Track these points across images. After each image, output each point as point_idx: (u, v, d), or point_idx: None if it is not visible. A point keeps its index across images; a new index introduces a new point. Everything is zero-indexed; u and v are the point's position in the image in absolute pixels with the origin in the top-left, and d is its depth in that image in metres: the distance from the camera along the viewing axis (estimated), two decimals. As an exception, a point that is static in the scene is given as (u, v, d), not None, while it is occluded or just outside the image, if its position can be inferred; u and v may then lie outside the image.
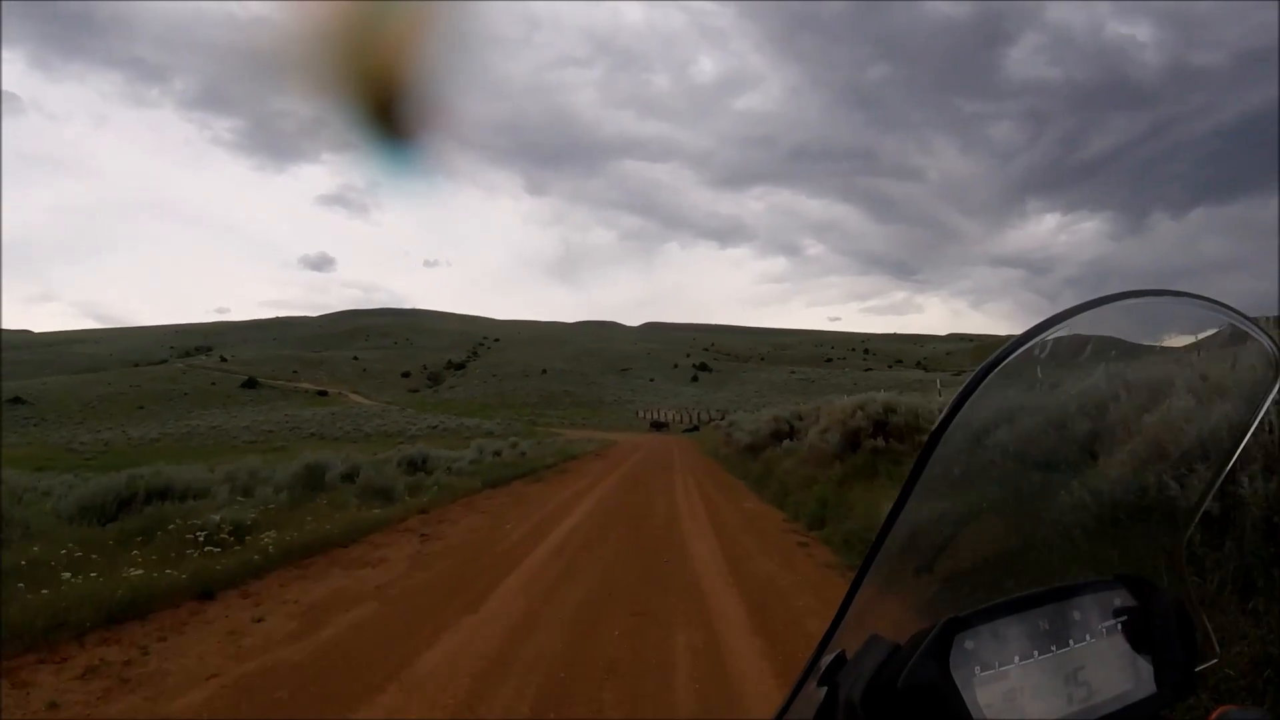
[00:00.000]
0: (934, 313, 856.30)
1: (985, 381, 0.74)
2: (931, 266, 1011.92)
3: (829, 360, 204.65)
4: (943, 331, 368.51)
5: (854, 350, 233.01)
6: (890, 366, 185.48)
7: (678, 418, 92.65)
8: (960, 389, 0.74)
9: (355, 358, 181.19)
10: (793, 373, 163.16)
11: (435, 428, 68.27)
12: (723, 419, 77.26)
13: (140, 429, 78.57)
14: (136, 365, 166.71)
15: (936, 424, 0.75)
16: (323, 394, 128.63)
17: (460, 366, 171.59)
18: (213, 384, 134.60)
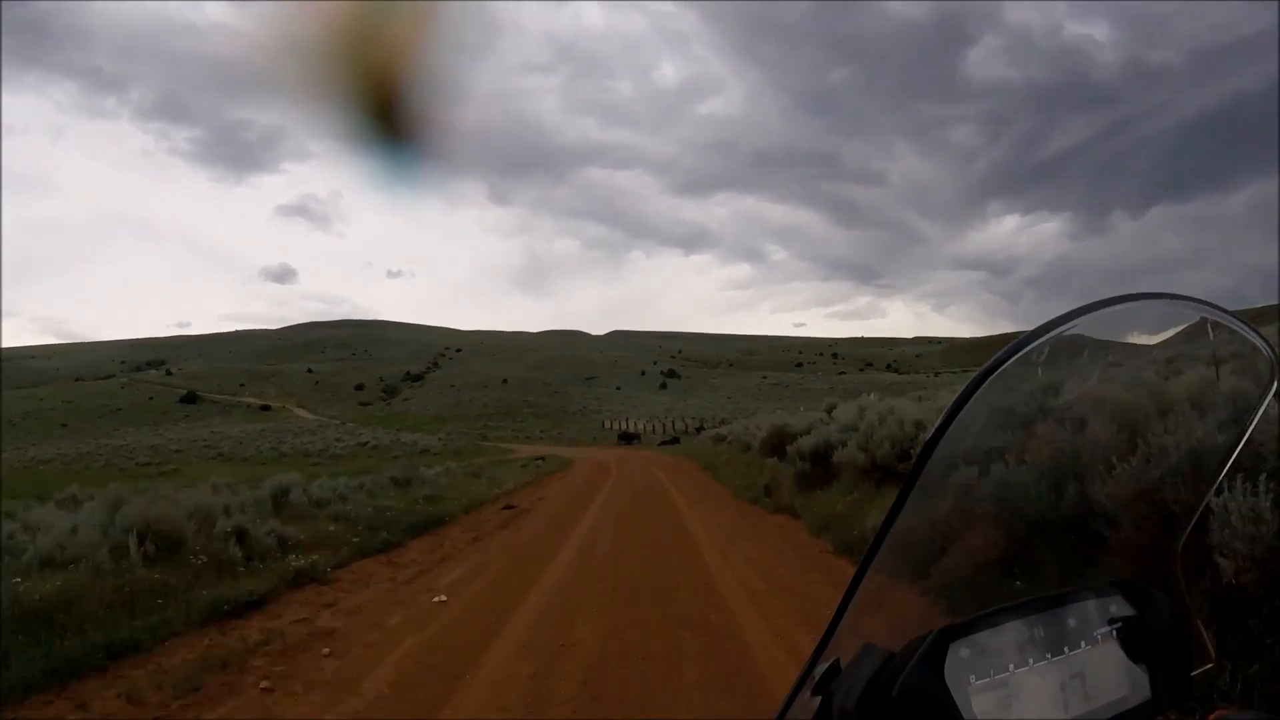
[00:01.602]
0: (898, 316, 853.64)
1: (981, 388, 0.73)
2: (894, 271, 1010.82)
3: (799, 365, 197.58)
4: (908, 334, 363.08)
5: (822, 355, 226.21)
6: (861, 370, 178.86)
7: (649, 428, 79.66)
8: (956, 395, 0.74)
9: (309, 370, 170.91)
10: (764, 378, 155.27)
11: (365, 445, 59.05)
12: (700, 430, 64.19)
13: (42, 449, 69.82)
14: (78, 380, 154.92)
15: (932, 430, 0.75)
16: (265, 409, 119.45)
17: (418, 378, 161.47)
18: (151, 399, 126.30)
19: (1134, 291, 0.79)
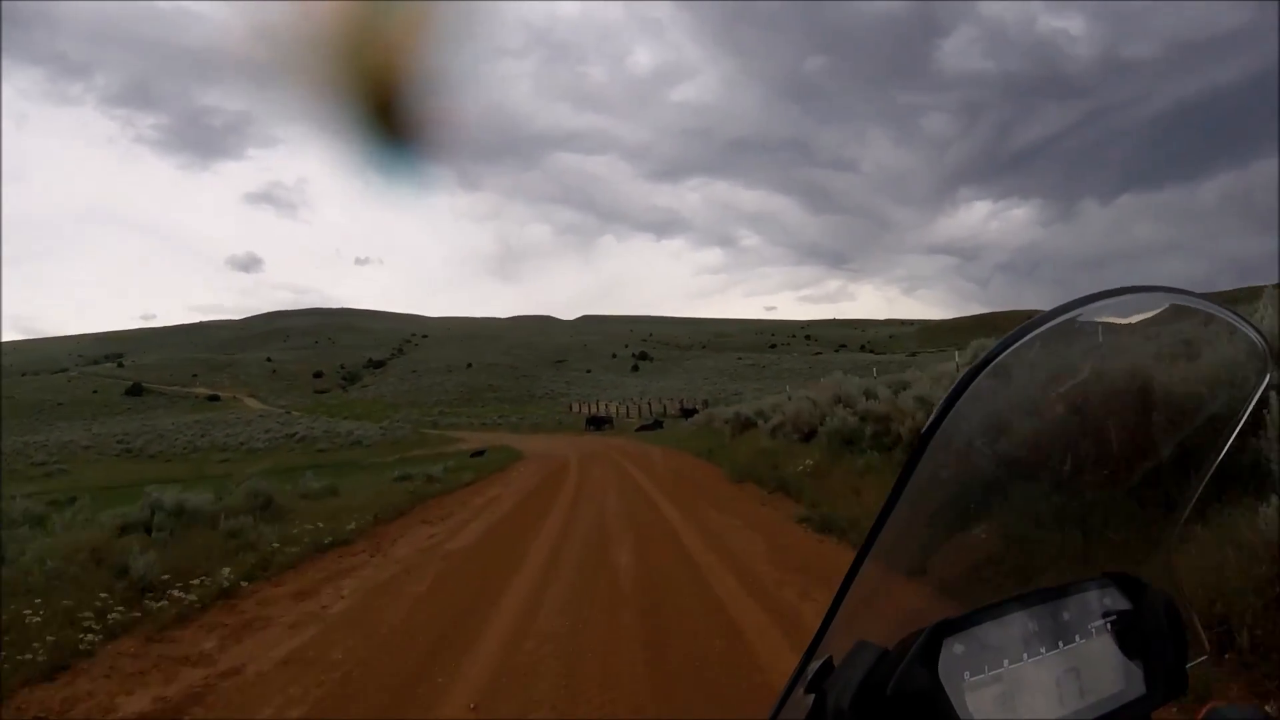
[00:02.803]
0: (867, 300, 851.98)
1: (975, 382, 0.72)
2: (865, 255, 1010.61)
3: (773, 346, 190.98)
4: (879, 317, 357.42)
5: (795, 337, 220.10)
6: (836, 350, 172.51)
7: (623, 411, 68.13)
8: (950, 389, 0.73)
9: (268, 359, 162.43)
10: (740, 359, 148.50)
11: (294, 436, 52.44)
12: (687, 412, 52.09)
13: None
14: (24, 375, 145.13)
15: (926, 425, 0.74)
16: (214, 399, 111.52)
17: (380, 365, 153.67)
18: (95, 392, 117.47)
19: (1117, 286, 0.78)
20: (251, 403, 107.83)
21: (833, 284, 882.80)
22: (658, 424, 49.54)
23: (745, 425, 23.09)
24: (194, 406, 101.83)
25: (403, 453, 36.11)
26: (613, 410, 67.73)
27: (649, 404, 69.88)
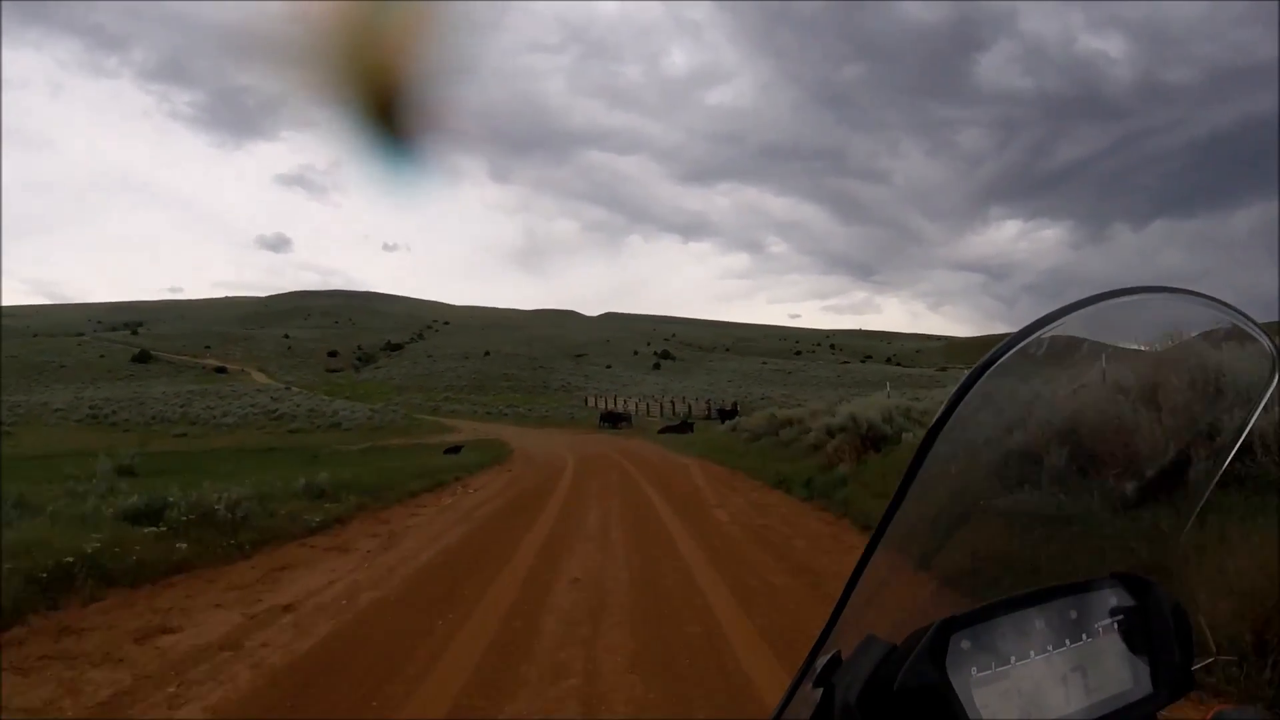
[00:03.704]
0: (892, 313, 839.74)
1: (981, 380, 0.72)
2: (892, 268, 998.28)
3: (798, 353, 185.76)
4: (904, 330, 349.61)
5: (820, 345, 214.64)
6: (863, 361, 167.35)
7: (642, 408, 59.09)
8: (956, 387, 0.73)
9: (286, 335, 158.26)
10: (765, 363, 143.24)
11: (273, 414, 48.57)
12: (725, 414, 42.85)
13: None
14: (35, 336, 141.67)
15: (933, 422, 0.73)
16: (221, 370, 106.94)
17: (398, 348, 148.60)
18: (101, 357, 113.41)
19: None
20: (259, 377, 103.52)
21: (858, 295, 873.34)
22: (686, 426, 40.39)
23: (823, 436, 15.97)
24: (197, 377, 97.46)
25: (379, 440, 31.10)
26: (632, 406, 59.01)
27: (671, 402, 61.80)
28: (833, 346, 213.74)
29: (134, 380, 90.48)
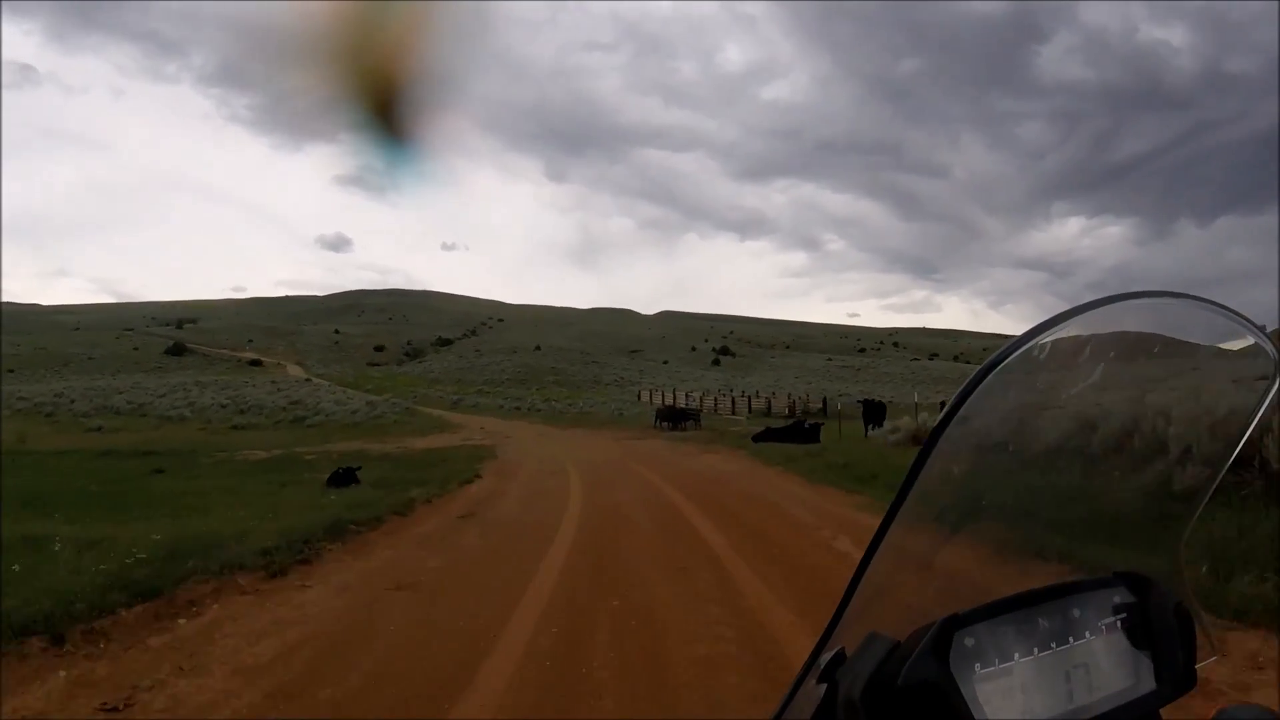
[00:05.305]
0: (952, 312, 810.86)
1: (986, 380, 0.72)
2: (952, 265, 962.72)
3: (861, 350, 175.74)
4: (966, 329, 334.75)
5: (882, 343, 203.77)
6: (930, 358, 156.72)
7: (708, 404, 46.51)
8: (960, 387, 0.73)
9: (336, 331, 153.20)
10: (829, 360, 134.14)
11: (264, 408, 41.71)
12: (869, 413, 27.37)
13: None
14: (75, 330, 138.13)
15: (937, 422, 0.73)
16: (255, 363, 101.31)
17: (448, 343, 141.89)
18: (135, 349, 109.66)
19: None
20: (294, 369, 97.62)
21: (918, 293, 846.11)
22: (803, 429, 25.15)
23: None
24: (227, 369, 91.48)
25: (322, 444, 22.67)
26: (698, 402, 45.43)
27: (747, 398, 48.17)
28: (895, 344, 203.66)
29: (160, 372, 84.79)
